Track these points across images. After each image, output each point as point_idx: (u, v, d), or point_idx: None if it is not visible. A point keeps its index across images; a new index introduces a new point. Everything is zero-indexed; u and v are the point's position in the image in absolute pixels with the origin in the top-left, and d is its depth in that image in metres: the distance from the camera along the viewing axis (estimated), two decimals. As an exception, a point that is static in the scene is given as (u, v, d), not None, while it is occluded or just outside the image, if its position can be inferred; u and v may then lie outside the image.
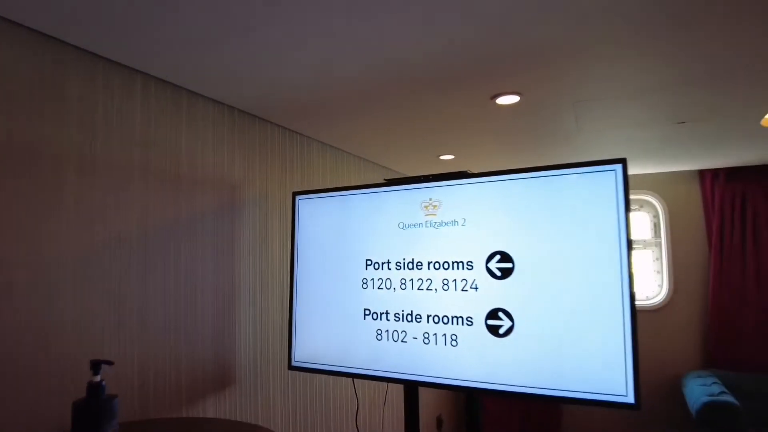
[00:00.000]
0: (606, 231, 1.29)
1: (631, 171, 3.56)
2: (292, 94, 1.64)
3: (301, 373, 2.11)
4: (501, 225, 1.43)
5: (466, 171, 1.51)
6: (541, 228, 1.37)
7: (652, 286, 3.71)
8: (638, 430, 3.59)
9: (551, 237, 1.36)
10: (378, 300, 1.59)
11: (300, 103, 1.75)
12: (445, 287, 1.48)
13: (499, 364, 1.38)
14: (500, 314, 1.40)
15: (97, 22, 1.12)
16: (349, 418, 2.48)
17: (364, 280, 1.62)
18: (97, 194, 1.28)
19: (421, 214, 1.55)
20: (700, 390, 2.89)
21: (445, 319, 1.47)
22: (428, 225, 1.53)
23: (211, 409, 1.62)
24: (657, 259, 3.70)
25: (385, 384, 2.79)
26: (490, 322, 1.41)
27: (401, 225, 1.58)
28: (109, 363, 1.05)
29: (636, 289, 1.29)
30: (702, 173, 3.54)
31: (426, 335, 1.50)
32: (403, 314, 1.54)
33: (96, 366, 1.03)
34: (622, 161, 1.29)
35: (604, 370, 1.25)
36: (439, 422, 3.68)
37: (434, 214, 1.53)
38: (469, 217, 1.47)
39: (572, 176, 1.35)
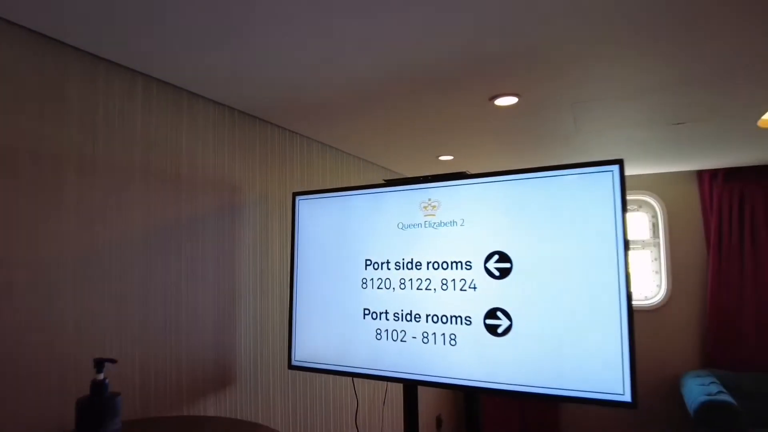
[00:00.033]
0: (603, 231, 1.30)
1: (629, 171, 3.58)
2: (292, 94, 1.65)
3: (301, 373, 2.12)
4: (499, 225, 1.44)
5: (465, 172, 1.52)
6: (539, 228, 1.38)
7: (651, 286, 3.72)
8: (637, 430, 3.60)
9: (549, 237, 1.37)
10: (377, 300, 1.60)
11: (300, 104, 1.76)
12: (444, 287, 1.49)
13: (497, 363, 1.39)
14: (498, 314, 1.41)
15: (97, 24, 1.13)
16: (348, 418, 2.49)
17: (364, 280, 1.63)
18: (97, 195, 1.29)
19: (420, 214, 1.56)
20: (698, 390, 2.90)
21: (444, 319, 1.48)
22: (427, 225, 1.54)
23: (211, 408, 1.62)
24: (656, 259, 3.72)
25: (384, 383, 2.80)
26: (489, 321, 1.42)
27: (400, 225, 1.59)
28: (113, 361, 1.06)
29: (633, 289, 1.30)
30: (700, 174, 3.56)
31: (425, 335, 1.51)
32: (402, 314, 1.55)
33: (99, 364, 1.05)
34: (619, 162, 1.30)
35: (601, 369, 1.26)
36: (439, 422, 3.68)
37: (433, 215, 1.54)
38: (468, 217, 1.48)
39: (569, 177, 1.36)
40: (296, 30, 1.18)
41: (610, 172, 1.31)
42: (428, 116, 1.94)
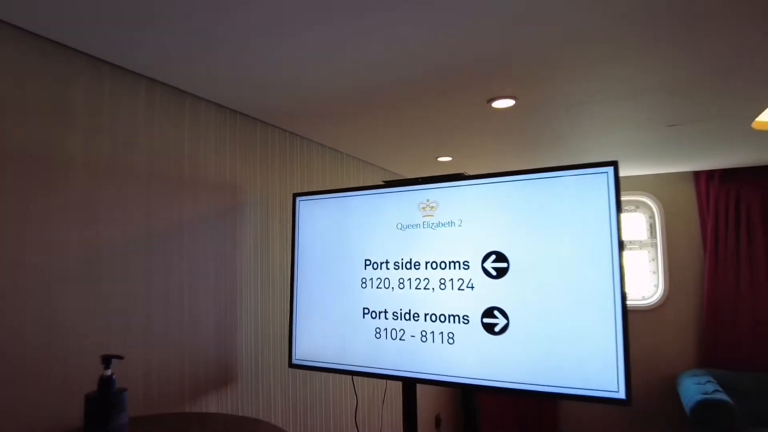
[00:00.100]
0: (598, 231, 1.32)
1: (627, 172, 3.60)
2: (293, 96, 1.68)
3: (301, 371, 2.14)
4: (496, 226, 1.46)
5: (463, 173, 1.55)
6: (536, 229, 1.41)
7: (648, 286, 3.74)
8: (634, 429, 3.63)
9: (545, 237, 1.39)
10: (377, 299, 1.62)
11: (300, 106, 1.79)
12: (442, 286, 1.52)
13: (494, 361, 1.42)
14: (496, 313, 1.43)
15: (102, 28, 1.15)
16: (348, 416, 2.51)
17: (363, 280, 1.66)
18: (101, 196, 1.31)
19: (419, 215, 1.58)
20: (694, 389, 2.92)
21: (442, 318, 1.51)
22: (426, 226, 1.57)
23: (213, 406, 1.65)
24: (653, 259, 3.74)
25: (384, 382, 2.83)
26: (486, 320, 1.44)
27: (399, 226, 1.61)
28: (120, 357, 1.09)
29: (630, 289, 1.33)
30: (697, 174, 3.58)
31: (423, 333, 1.53)
32: (401, 313, 1.57)
33: (107, 360, 1.07)
34: (614, 163, 1.33)
35: (596, 367, 1.29)
36: (438, 421, 3.71)
37: (431, 215, 1.56)
38: (466, 217, 1.51)
39: (565, 178, 1.39)
40: (296, 33, 1.21)
41: (605, 174, 1.34)
42: (427, 118, 1.97)
